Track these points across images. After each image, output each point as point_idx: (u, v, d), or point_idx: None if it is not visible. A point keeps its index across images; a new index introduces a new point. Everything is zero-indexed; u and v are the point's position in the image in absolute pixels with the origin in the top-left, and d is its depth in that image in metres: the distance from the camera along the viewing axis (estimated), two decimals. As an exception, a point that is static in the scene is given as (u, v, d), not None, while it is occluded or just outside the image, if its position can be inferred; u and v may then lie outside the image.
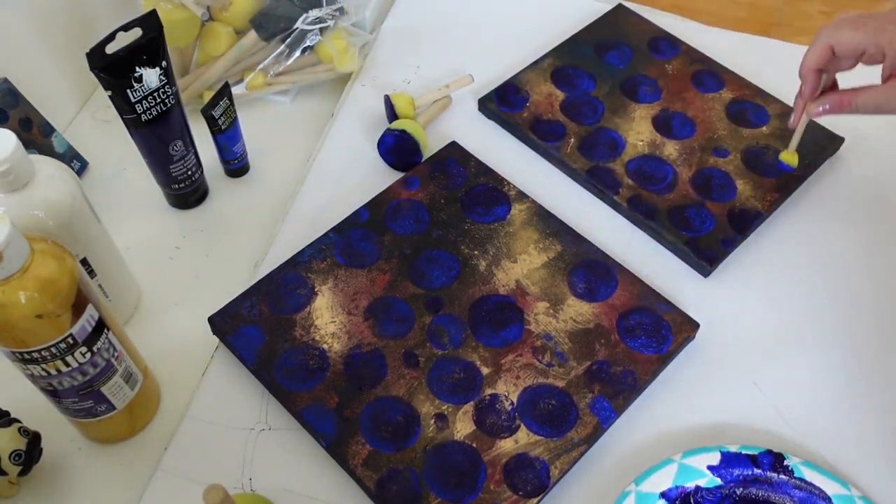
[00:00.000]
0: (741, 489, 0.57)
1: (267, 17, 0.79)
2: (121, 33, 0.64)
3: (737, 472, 0.57)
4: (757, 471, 0.57)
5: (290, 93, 0.85)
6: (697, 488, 0.56)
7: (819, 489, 0.56)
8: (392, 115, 0.79)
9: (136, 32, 0.64)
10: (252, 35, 0.79)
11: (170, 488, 0.58)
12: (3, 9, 0.73)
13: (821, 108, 0.63)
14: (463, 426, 0.59)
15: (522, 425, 0.59)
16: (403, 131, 0.75)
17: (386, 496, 0.56)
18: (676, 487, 0.56)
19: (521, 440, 0.59)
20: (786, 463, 0.57)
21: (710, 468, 0.57)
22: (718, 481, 0.57)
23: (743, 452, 0.57)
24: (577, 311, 0.65)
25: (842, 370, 0.64)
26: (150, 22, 0.64)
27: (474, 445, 0.58)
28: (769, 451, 0.57)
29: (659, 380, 0.64)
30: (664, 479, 0.56)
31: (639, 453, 0.60)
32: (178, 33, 0.78)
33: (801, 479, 0.56)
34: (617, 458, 0.60)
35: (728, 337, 0.66)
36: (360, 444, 0.58)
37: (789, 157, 0.73)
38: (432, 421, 0.59)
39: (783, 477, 0.57)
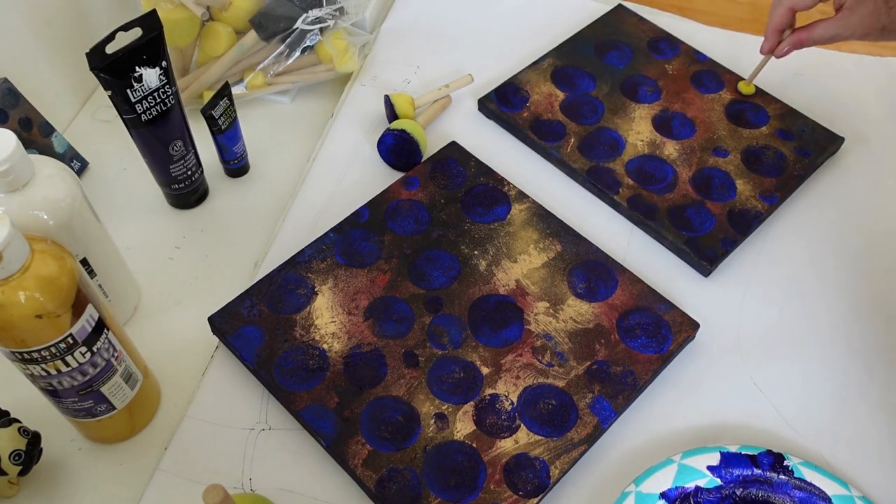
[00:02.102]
0: (741, 489, 0.57)
1: (267, 17, 0.79)
2: (121, 33, 0.64)
3: (737, 472, 0.57)
4: (757, 471, 0.57)
5: (290, 93, 0.85)
6: (697, 489, 0.56)
7: (819, 489, 0.56)
8: (392, 114, 0.79)
9: (136, 32, 0.64)
10: (252, 35, 0.79)
11: (170, 488, 0.58)
12: (3, 9, 0.73)
13: (785, 49, 0.72)
14: (463, 426, 0.59)
15: (522, 425, 0.59)
16: (403, 131, 0.75)
17: (386, 496, 0.56)
18: (676, 488, 0.56)
19: (521, 440, 0.59)
20: (786, 463, 0.57)
21: (710, 468, 0.57)
22: (718, 482, 0.57)
23: (743, 453, 0.57)
24: (577, 310, 0.65)
25: (841, 370, 0.64)
26: (150, 22, 0.64)
27: (474, 445, 0.58)
28: (769, 452, 0.57)
29: (659, 380, 0.64)
30: (664, 480, 0.56)
31: (639, 453, 0.60)
32: (178, 33, 0.78)
33: (801, 480, 0.56)
34: (617, 458, 0.60)
35: (728, 337, 0.66)
36: (360, 444, 0.58)
37: (746, 87, 0.80)
38: (432, 421, 0.59)
39: (783, 477, 0.57)
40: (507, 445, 0.58)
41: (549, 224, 0.71)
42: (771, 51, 0.73)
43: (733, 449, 0.58)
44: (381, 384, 0.61)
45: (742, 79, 0.81)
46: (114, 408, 0.57)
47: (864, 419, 0.62)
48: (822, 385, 0.64)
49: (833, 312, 0.68)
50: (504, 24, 0.90)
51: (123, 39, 0.63)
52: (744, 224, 0.71)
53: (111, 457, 0.61)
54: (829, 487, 0.56)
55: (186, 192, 0.74)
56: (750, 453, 0.57)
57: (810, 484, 0.56)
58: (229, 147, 0.75)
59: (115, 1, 0.83)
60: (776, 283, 0.69)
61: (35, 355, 0.50)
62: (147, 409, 0.62)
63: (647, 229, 0.72)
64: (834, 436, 0.61)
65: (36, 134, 0.73)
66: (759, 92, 0.81)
